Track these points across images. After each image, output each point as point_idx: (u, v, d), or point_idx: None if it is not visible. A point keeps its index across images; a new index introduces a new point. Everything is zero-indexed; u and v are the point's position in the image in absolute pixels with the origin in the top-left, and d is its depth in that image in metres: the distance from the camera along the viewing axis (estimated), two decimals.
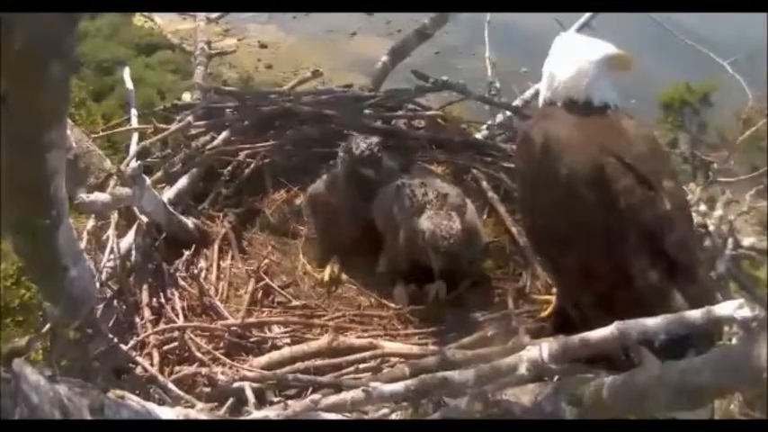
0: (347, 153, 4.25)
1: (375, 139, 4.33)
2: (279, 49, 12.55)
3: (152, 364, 3.48)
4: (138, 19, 10.81)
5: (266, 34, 12.88)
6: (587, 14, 6.41)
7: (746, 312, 2.45)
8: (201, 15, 6.92)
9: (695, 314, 2.62)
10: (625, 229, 3.07)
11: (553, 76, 3.40)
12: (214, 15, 7.41)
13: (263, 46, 12.57)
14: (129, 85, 5.42)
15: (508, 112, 5.78)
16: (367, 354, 3.49)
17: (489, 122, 5.82)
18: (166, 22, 9.23)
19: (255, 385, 3.29)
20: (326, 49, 12.28)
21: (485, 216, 4.57)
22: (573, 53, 3.39)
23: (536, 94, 5.87)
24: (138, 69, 8.18)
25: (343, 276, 4.23)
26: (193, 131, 5.01)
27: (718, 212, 4.22)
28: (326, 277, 4.20)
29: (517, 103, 6.07)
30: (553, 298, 3.83)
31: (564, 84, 3.35)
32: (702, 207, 4.22)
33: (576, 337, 2.75)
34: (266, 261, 4.24)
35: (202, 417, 2.95)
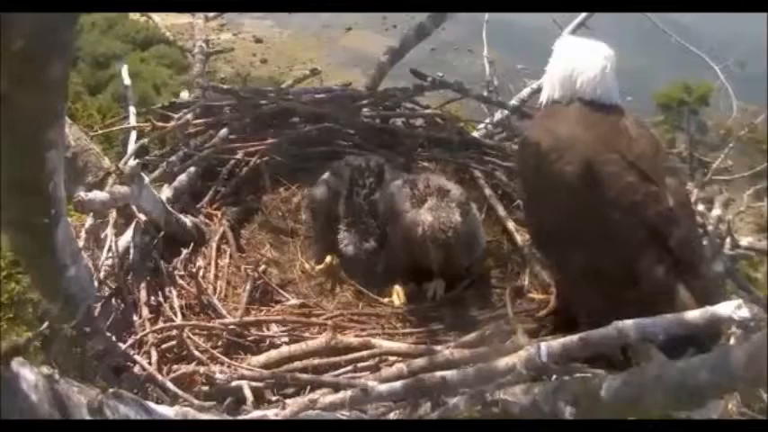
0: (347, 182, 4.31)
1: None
2: (274, 44, 12.54)
3: (150, 363, 3.47)
4: (134, 13, 10.79)
5: (261, 29, 12.87)
6: (583, 15, 6.41)
7: (745, 312, 2.46)
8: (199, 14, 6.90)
9: (694, 314, 2.63)
10: (630, 226, 3.08)
11: (562, 76, 3.41)
12: (212, 15, 7.40)
13: (258, 41, 12.56)
14: (128, 82, 5.41)
15: (506, 111, 5.78)
16: (365, 353, 3.49)
17: (487, 121, 5.82)
18: (162, 17, 9.22)
19: (254, 384, 3.29)
20: (322, 43, 12.27)
21: (483, 215, 4.57)
22: (585, 53, 3.41)
23: (533, 92, 5.90)
24: (134, 64, 8.19)
25: (342, 274, 4.22)
26: (192, 130, 5.02)
27: (716, 212, 4.23)
28: (323, 264, 4.21)
29: (513, 101, 6.07)
30: (551, 297, 3.84)
31: (575, 82, 3.36)
32: (700, 207, 4.23)
33: (574, 337, 2.76)
34: (264, 260, 4.25)
35: (200, 416, 2.95)
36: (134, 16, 10.85)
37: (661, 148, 3.58)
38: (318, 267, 4.24)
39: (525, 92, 6.24)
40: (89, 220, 4.04)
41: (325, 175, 4.46)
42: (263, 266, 4.10)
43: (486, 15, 7.05)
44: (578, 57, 3.40)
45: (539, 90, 5.27)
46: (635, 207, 3.10)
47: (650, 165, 3.19)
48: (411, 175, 4.28)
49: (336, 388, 3.16)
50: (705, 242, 3.98)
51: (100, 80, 8.59)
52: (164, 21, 8.66)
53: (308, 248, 4.47)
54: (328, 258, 4.24)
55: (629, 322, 2.63)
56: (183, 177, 4.56)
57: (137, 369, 3.45)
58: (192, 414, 2.90)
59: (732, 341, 3.01)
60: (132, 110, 5.04)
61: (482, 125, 5.82)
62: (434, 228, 3.81)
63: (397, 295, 4.03)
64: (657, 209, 3.12)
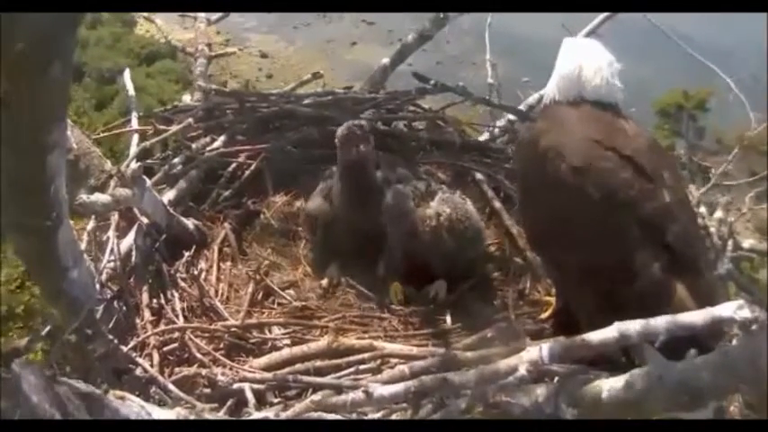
0: (337, 140, 4.24)
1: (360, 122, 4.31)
2: (280, 59, 12.57)
3: (152, 365, 3.48)
4: (140, 28, 10.85)
5: (267, 44, 12.87)
6: (594, 23, 6.40)
7: (746, 314, 2.45)
8: (202, 17, 6.92)
9: (695, 315, 2.63)
10: (626, 223, 3.07)
11: (561, 74, 3.41)
12: (214, 17, 7.41)
13: (263, 56, 12.55)
14: (130, 86, 5.42)
15: (509, 116, 5.77)
16: (367, 355, 3.49)
17: (491, 125, 5.82)
18: (168, 31, 9.25)
19: (255, 386, 3.30)
20: (327, 58, 12.29)
21: (485, 218, 4.57)
22: (587, 53, 3.42)
23: (540, 99, 5.90)
24: (140, 78, 8.20)
25: (342, 280, 4.21)
26: (194, 133, 5.03)
27: (718, 215, 4.22)
28: (325, 283, 4.19)
29: (521, 107, 6.05)
30: (553, 299, 3.83)
31: (569, 82, 3.37)
32: (702, 209, 4.23)
33: (576, 338, 2.75)
34: (266, 262, 4.25)
35: (202, 417, 2.95)
36: (139, 31, 10.88)
37: (658, 145, 3.58)
38: (323, 284, 4.20)
39: (533, 98, 6.22)
40: (91, 223, 4.04)
41: (318, 188, 4.44)
42: (264, 269, 4.11)
43: (489, 19, 7.04)
44: (579, 56, 3.40)
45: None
46: (630, 203, 3.09)
47: (647, 161, 3.18)
48: (411, 178, 4.31)
49: (338, 390, 3.15)
50: (707, 244, 3.97)
51: (105, 95, 8.59)
52: (170, 35, 8.71)
53: (309, 252, 4.47)
54: (327, 278, 4.22)
55: (630, 323, 2.62)
56: (184, 180, 4.59)
57: (139, 371, 3.45)
58: (194, 416, 2.91)
59: (734, 342, 3.01)
60: (134, 113, 5.05)
61: (486, 129, 5.80)
62: (452, 219, 3.84)
63: (395, 293, 4.02)
64: (654, 205, 3.09)
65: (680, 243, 3.05)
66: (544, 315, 3.82)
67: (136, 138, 4.83)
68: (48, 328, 3.45)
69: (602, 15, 6.40)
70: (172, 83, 9.36)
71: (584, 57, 3.39)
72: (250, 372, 3.40)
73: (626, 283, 3.03)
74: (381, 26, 12.59)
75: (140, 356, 3.54)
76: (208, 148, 4.91)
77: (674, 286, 3.00)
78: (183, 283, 3.97)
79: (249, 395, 3.24)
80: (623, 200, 3.08)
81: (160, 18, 9.14)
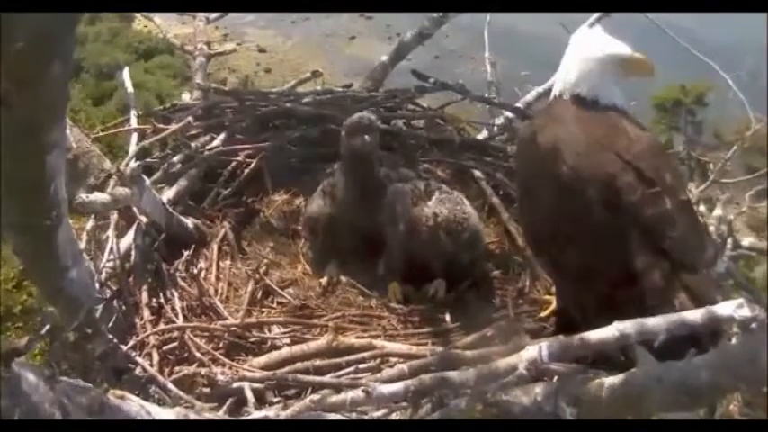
0: (344, 129, 4.24)
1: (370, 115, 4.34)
2: (278, 54, 12.55)
3: (151, 365, 3.48)
4: (138, 23, 10.84)
5: (265, 39, 12.87)
6: (591, 18, 6.38)
7: (746, 312, 2.45)
8: (201, 16, 6.91)
9: (695, 314, 2.62)
10: (626, 226, 3.05)
11: (566, 70, 3.39)
12: (213, 16, 7.41)
13: (261, 50, 12.56)
14: (129, 85, 5.42)
15: (508, 113, 5.77)
16: (366, 354, 3.49)
17: (490, 123, 5.82)
18: (166, 27, 9.28)
19: (255, 385, 3.29)
20: (326, 53, 12.29)
21: (484, 216, 4.57)
22: (587, 49, 3.38)
23: (538, 96, 5.89)
24: (138, 74, 8.19)
25: (343, 278, 4.22)
26: (193, 132, 5.03)
27: (718, 212, 4.22)
28: (325, 281, 4.19)
29: (518, 105, 6.05)
30: (553, 298, 3.83)
31: (574, 79, 3.34)
32: (702, 207, 4.23)
33: (575, 338, 2.75)
34: (266, 261, 4.25)
35: (202, 417, 2.95)
36: (137, 26, 10.88)
37: (660, 147, 3.56)
38: (323, 282, 4.20)
39: (531, 95, 6.21)
40: (90, 222, 4.04)
41: (319, 189, 4.44)
42: (264, 268, 4.10)
43: (488, 17, 7.04)
44: (587, 53, 3.36)
45: (545, 93, 5.28)
46: (631, 208, 3.06)
47: (649, 165, 3.14)
48: (413, 178, 4.32)
49: (338, 389, 3.15)
50: (707, 243, 3.96)
51: (104, 91, 8.59)
52: (168, 30, 8.72)
53: (309, 251, 4.46)
54: (326, 276, 4.22)
55: (629, 322, 2.62)
56: (184, 179, 4.59)
57: (138, 370, 3.45)
58: (194, 415, 2.91)
59: (733, 341, 3.01)
60: (133, 112, 5.04)
61: (484, 127, 5.80)
62: (450, 219, 3.83)
63: (394, 293, 4.03)
64: (655, 210, 3.07)
65: (679, 248, 3.03)
66: (544, 314, 3.82)
67: (135, 137, 4.83)
68: (47, 328, 3.44)
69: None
70: (170, 78, 9.38)
71: (589, 53, 3.35)
72: (250, 371, 3.40)
73: (624, 286, 3.01)
74: (380, 20, 12.60)
75: (140, 356, 3.54)
76: (207, 147, 4.90)
77: (672, 289, 2.99)
78: (182, 282, 3.97)
79: (249, 394, 3.24)
80: (623, 204, 3.06)
81: (158, 14, 9.16)
